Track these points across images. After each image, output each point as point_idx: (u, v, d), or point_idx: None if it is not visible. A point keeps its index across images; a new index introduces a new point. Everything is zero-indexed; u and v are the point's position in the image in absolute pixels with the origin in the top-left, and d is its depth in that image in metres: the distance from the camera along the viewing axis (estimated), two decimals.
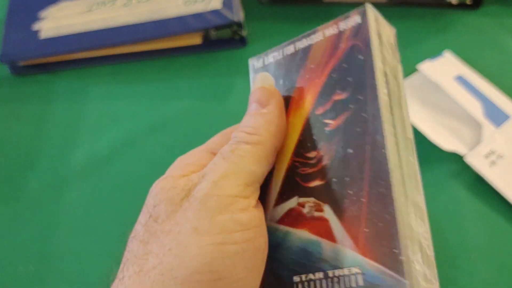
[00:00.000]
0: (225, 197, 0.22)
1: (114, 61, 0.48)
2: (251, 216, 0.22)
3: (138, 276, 0.21)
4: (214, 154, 0.24)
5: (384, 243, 0.20)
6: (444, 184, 0.39)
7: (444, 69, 0.44)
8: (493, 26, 0.49)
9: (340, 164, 0.23)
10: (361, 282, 0.21)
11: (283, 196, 0.25)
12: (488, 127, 0.40)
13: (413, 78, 0.44)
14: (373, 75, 0.23)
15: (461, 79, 0.44)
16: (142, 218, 0.23)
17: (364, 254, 0.21)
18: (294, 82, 0.26)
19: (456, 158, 0.40)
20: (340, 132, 0.24)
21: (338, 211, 0.22)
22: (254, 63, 0.29)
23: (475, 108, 0.41)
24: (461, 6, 0.50)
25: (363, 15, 0.24)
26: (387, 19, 0.26)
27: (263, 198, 0.25)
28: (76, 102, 0.46)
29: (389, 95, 0.23)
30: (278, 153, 0.26)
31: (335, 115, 0.24)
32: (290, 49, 0.27)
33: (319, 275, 0.22)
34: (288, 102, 0.26)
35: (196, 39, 0.48)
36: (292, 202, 0.24)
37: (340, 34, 0.25)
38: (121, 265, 0.22)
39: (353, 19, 0.25)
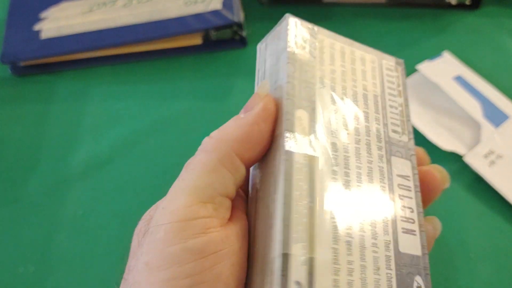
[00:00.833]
0: (175, 224, 0.19)
1: (114, 62, 0.48)
2: (206, 241, 0.19)
3: None
4: None
5: None
6: None
7: (443, 69, 0.45)
8: (492, 26, 0.49)
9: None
10: None
11: None
12: (487, 127, 0.41)
13: (413, 78, 0.44)
14: None
15: (460, 80, 0.44)
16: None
17: None
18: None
19: (455, 158, 0.40)
20: None
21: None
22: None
23: (474, 108, 0.42)
24: (460, 6, 0.50)
25: None
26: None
27: None
28: (77, 102, 0.46)
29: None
30: None
31: None
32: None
33: None
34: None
35: (196, 40, 0.48)
36: None
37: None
38: None
39: None
